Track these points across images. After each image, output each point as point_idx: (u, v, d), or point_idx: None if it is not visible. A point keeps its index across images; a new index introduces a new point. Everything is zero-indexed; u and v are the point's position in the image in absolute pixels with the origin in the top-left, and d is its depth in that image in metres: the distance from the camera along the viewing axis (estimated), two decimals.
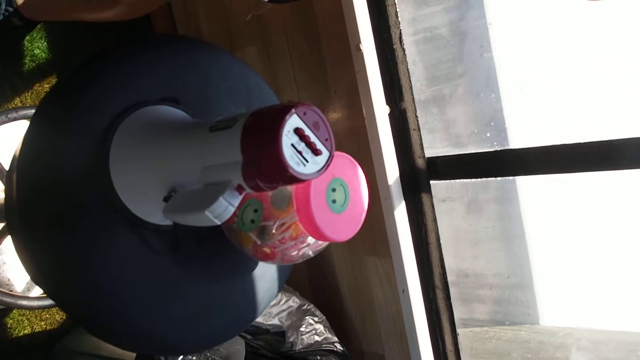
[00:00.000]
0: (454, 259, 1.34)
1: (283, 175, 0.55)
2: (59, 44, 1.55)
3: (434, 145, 1.30)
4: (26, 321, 1.49)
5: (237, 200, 0.58)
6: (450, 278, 1.30)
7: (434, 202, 1.25)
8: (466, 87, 1.30)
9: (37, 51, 1.51)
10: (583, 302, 1.20)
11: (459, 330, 1.27)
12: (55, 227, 0.69)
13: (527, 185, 1.23)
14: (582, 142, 1.02)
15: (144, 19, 1.71)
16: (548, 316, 1.28)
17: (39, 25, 1.49)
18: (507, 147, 1.16)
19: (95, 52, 0.77)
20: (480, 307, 1.36)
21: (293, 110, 0.55)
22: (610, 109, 1.10)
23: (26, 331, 1.48)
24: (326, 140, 0.58)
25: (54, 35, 1.54)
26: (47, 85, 1.54)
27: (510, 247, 1.32)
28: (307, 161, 0.56)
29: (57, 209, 0.69)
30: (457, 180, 1.25)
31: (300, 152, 0.55)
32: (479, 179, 1.22)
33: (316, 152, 0.57)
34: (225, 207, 0.57)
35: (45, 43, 1.53)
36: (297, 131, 0.55)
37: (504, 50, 1.26)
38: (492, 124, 1.20)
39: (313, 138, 0.56)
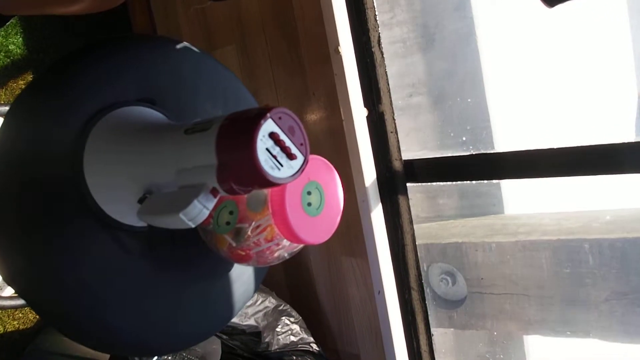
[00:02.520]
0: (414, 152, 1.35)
1: (257, 179, 0.55)
2: (34, 40, 1.53)
3: (411, 148, 1.31)
4: None
5: (211, 203, 0.58)
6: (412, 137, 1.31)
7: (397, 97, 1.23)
8: (444, 91, 1.32)
9: (11, 47, 1.48)
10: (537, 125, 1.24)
11: (425, 225, 1.29)
12: (26, 227, 0.68)
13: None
14: (556, 147, 1.05)
15: (122, 16, 1.69)
16: (513, 206, 1.31)
17: (13, 21, 1.47)
18: (483, 152, 1.18)
19: (72, 51, 0.76)
20: (448, 202, 1.38)
21: (268, 114, 0.55)
22: (585, 115, 1.13)
23: None
24: (301, 144, 0.59)
25: (30, 31, 1.52)
26: (22, 82, 1.52)
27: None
28: (281, 165, 0.56)
29: (28, 209, 0.68)
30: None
31: (275, 157, 0.56)
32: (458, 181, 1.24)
33: (291, 156, 0.57)
34: (199, 210, 0.57)
35: (20, 39, 1.50)
36: (272, 135, 0.55)
37: (487, 55, 1.29)
38: (469, 127, 1.22)
39: (288, 142, 0.57)
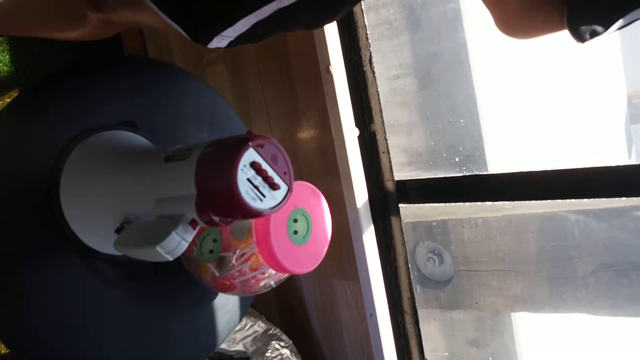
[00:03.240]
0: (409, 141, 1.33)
1: (238, 210, 0.53)
2: (22, 58, 1.50)
3: (403, 168, 1.29)
4: None
5: (190, 235, 0.56)
6: (403, 158, 1.29)
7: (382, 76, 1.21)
8: (437, 111, 1.30)
9: None
10: (529, 146, 1.23)
11: (414, 207, 1.27)
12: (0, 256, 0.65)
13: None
14: (548, 169, 1.03)
15: (114, 37, 1.68)
16: (495, 165, 1.29)
17: (1, 39, 1.45)
18: (475, 173, 1.16)
19: (54, 72, 0.74)
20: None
21: (250, 143, 0.53)
22: (579, 138, 1.12)
23: None
24: (285, 173, 0.56)
25: (17, 49, 1.49)
26: (8, 100, 1.49)
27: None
28: (264, 196, 0.54)
29: (2, 236, 0.65)
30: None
31: (256, 187, 0.53)
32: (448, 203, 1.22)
33: (274, 186, 0.55)
34: (177, 243, 0.55)
35: (7, 56, 1.48)
36: (254, 165, 0.53)
37: (480, 77, 1.28)
38: (461, 149, 1.20)
39: (271, 172, 0.54)
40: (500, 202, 1.25)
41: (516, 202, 1.19)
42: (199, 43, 0.56)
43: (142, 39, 1.69)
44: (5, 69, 1.48)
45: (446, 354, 1.39)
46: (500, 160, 1.26)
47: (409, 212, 1.27)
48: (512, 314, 1.33)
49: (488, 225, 1.24)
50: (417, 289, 1.27)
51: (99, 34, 0.71)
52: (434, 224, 1.34)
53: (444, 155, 1.25)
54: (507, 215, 1.22)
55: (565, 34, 0.50)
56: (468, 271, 1.28)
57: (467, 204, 1.21)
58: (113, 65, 0.79)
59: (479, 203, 1.16)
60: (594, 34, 0.48)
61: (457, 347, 1.39)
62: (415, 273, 1.26)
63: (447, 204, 1.22)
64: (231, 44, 0.57)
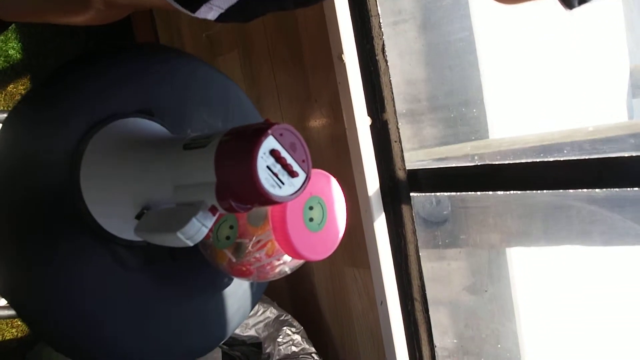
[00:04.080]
0: (407, 85, 1.33)
1: (258, 197, 0.53)
2: (34, 45, 1.51)
3: (415, 157, 1.29)
4: None
5: (210, 221, 0.56)
6: (403, 106, 1.28)
7: (382, 23, 1.21)
8: (448, 99, 1.30)
9: (11, 52, 1.47)
10: (530, 110, 1.23)
11: (408, 153, 1.27)
12: (20, 242, 0.66)
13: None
14: (562, 159, 1.03)
15: (124, 23, 1.68)
16: (498, 130, 1.29)
17: (13, 26, 1.46)
18: (489, 162, 1.16)
19: (69, 61, 0.75)
20: (432, 132, 1.36)
21: (269, 131, 0.53)
22: (576, 96, 1.11)
23: None
24: (303, 161, 0.57)
25: (29, 36, 1.50)
26: (21, 87, 1.50)
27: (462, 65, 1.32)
28: (282, 183, 0.55)
29: (22, 223, 0.66)
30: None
31: (276, 174, 0.54)
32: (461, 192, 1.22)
33: (292, 174, 0.55)
34: (198, 229, 0.56)
35: (19, 44, 1.49)
36: (273, 153, 0.54)
37: (489, 63, 1.27)
38: (473, 138, 1.20)
39: (289, 160, 0.55)
40: (497, 139, 1.24)
41: (513, 142, 1.18)
42: (187, 10, 0.55)
43: (153, 26, 1.70)
44: (17, 56, 1.49)
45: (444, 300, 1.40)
46: (500, 121, 1.25)
47: (406, 158, 1.26)
48: (508, 259, 1.33)
49: (484, 161, 1.23)
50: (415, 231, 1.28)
51: (105, 18, 0.71)
52: (431, 163, 1.33)
53: (444, 102, 1.25)
54: (504, 150, 1.21)
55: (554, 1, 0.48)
56: (465, 208, 1.27)
57: (465, 149, 1.21)
58: (126, 53, 0.79)
59: (476, 147, 1.16)
60: (583, 1, 0.46)
61: (454, 294, 1.39)
62: (413, 214, 1.26)
63: (458, 194, 1.22)
64: (221, 17, 0.56)
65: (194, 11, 0.55)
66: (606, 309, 1.19)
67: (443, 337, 1.38)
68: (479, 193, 1.18)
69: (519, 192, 1.11)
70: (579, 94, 1.26)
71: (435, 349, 1.33)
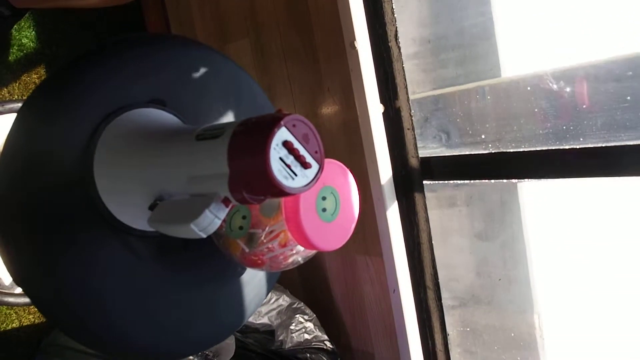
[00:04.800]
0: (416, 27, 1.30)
1: (271, 189, 0.53)
2: (47, 34, 1.52)
3: (427, 145, 1.28)
4: (14, 315, 1.47)
5: (223, 212, 0.56)
6: (411, 49, 1.27)
7: None
8: (462, 89, 1.28)
9: (25, 40, 1.47)
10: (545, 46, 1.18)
11: (420, 95, 1.25)
12: (34, 231, 0.67)
13: None
14: (579, 147, 1.01)
15: (136, 12, 1.68)
16: (510, 69, 1.26)
17: (27, 14, 1.46)
18: (502, 150, 1.14)
19: (82, 52, 0.75)
20: (443, 73, 1.33)
21: (282, 122, 0.53)
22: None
23: (14, 325, 1.47)
24: (316, 152, 0.56)
25: (43, 25, 1.50)
26: (35, 76, 1.51)
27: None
28: (295, 175, 0.54)
29: (37, 212, 0.67)
30: None
31: (288, 166, 0.54)
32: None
33: (305, 165, 0.55)
34: (211, 220, 0.56)
35: (33, 32, 1.49)
36: (286, 144, 0.53)
37: (507, 47, 1.23)
38: (487, 126, 1.19)
39: (302, 151, 0.55)
40: (506, 70, 1.21)
41: (522, 66, 1.14)
42: None
43: (165, 16, 1.69)
44: (31, 45, 1.50)
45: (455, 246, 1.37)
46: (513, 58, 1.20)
47: (417, 98, 1.23)
48: (520, 202, 1.27)
49: (495, 91, 1.19)
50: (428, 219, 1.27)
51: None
52: (440, 98, 1.30)
53: (470, 132, 1.23)
54: (515, 79, 1.16)
55: None
56: (475, 143, 1.24)
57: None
58: (137, 44, 0.79)
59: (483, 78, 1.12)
60: None
61: (465, 241, 1.37)
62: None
63: (455, 87, 1.19)
64: None
65: None
66: (621, 252, 1.14)
67: (455, 284, 1.36)
68: (487, 118, 1.12)
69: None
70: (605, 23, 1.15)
71: (448, 337, 1.33)
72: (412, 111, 1.24)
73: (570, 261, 1.23)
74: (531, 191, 1.27)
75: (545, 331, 1.31)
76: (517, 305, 1.35)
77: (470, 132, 1.23)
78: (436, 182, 1.26)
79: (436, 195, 1.32)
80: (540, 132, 1.11)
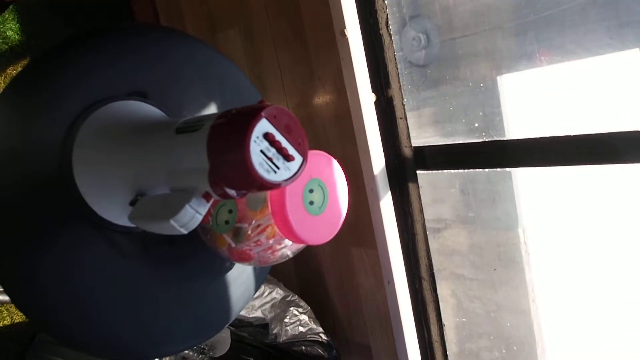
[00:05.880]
0: None
1: (252, 183, 0.51)
2: (32, 26, 1.49)
3: (421, 134, 1.26)
4: (5, 312, 1.46)
5: (204, 208, 0.54)
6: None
7: None
8: (456, 77, 1.25)
9: (9, 33, 1.45)
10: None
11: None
12: (13, 230, 0.65)
13: None
14: (573, 134, 0.99)
15: (123, 1, 1.64)
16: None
17: (11, 7, 1.43)
18: (496, 139, 1.12)
19: (60, 42, 0.72)
20: None
21: (262, 114, 0.51)
22: (605, 102, 1.04)
23: (6, 322, 1.45)
24: (299, 144, 0.54)
25: (27, 17, 1.47)
26: (20, 69, 1.48)
27: None
28: (278, 168, 0.52)
29: (15, 211, 0.65)
30: None
31: (270, 159, 0.52)
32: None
33: (288, 157, 0.53)
34: (191, 216, 0.54)
35: (17, 24, 1.46)
36: (267, 136, 0.51)
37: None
38: (481, 114, 1.16)
39: (284, 143, 0.53)
40: None
41: None
42: None
43: (154, 6, 1.66)
44: (16, 37, 1.47)
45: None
46: (516, 126, 1.18)
47: None
48: (498, 77, 1.21)
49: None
50: (405, 79, 1.21)
51: None
52: None
53: (463, 120, 1.20)
54: None
55: None
56: (453, 39, 1.19)
57: None
58: (117, 33, 0.77)
59: None
60: None
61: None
62: (403, 66, 1.20)
63: (466, 169, 1.19)
64: None
65: None
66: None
67: (439, 206, 1.32)
68: (466, 14, 1.05)
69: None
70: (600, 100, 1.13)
71: (444, 327, 1.32)
72: (405, 100, 1.21)
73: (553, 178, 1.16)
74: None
75: (531, 247, 1.26)
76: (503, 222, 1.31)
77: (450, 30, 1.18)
78: (430, 171, 1.24)
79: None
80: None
